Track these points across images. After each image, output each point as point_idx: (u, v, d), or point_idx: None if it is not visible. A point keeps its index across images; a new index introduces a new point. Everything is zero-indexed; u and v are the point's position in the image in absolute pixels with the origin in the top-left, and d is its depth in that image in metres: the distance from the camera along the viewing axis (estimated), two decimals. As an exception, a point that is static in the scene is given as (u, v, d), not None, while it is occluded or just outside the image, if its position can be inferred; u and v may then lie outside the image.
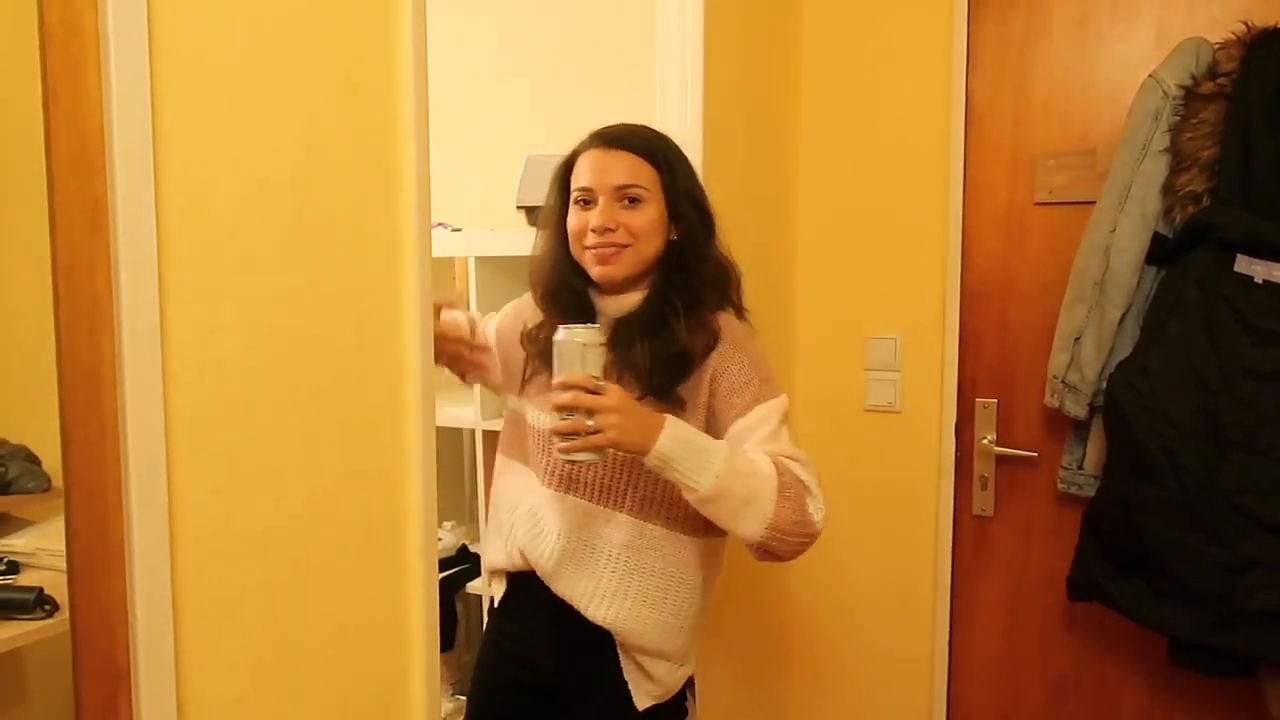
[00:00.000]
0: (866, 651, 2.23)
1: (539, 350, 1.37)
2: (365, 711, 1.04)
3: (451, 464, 2.45)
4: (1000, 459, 2.07)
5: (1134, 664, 1.96)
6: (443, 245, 2.20)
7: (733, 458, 1.19)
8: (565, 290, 1.35)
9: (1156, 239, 1.74)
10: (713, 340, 1.30)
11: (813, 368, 2.24)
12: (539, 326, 1.39)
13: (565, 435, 1.13)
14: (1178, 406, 1.62)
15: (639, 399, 1.23)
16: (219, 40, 0.81)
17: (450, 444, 2.30)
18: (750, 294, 1.43)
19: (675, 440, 1.16)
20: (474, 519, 2.29)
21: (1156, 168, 1.73)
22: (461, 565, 2.36)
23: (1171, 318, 1.67)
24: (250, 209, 0.85)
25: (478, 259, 2.13)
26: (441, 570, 2.35)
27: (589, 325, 1.17)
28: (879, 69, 2.11)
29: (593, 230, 1.29)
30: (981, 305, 2.06)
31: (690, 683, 1.41)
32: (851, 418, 2.21)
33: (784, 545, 1.19)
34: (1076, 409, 1.83)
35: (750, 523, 1.18)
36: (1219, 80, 1.69)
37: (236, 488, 0.86)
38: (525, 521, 1.37)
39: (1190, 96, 1.71)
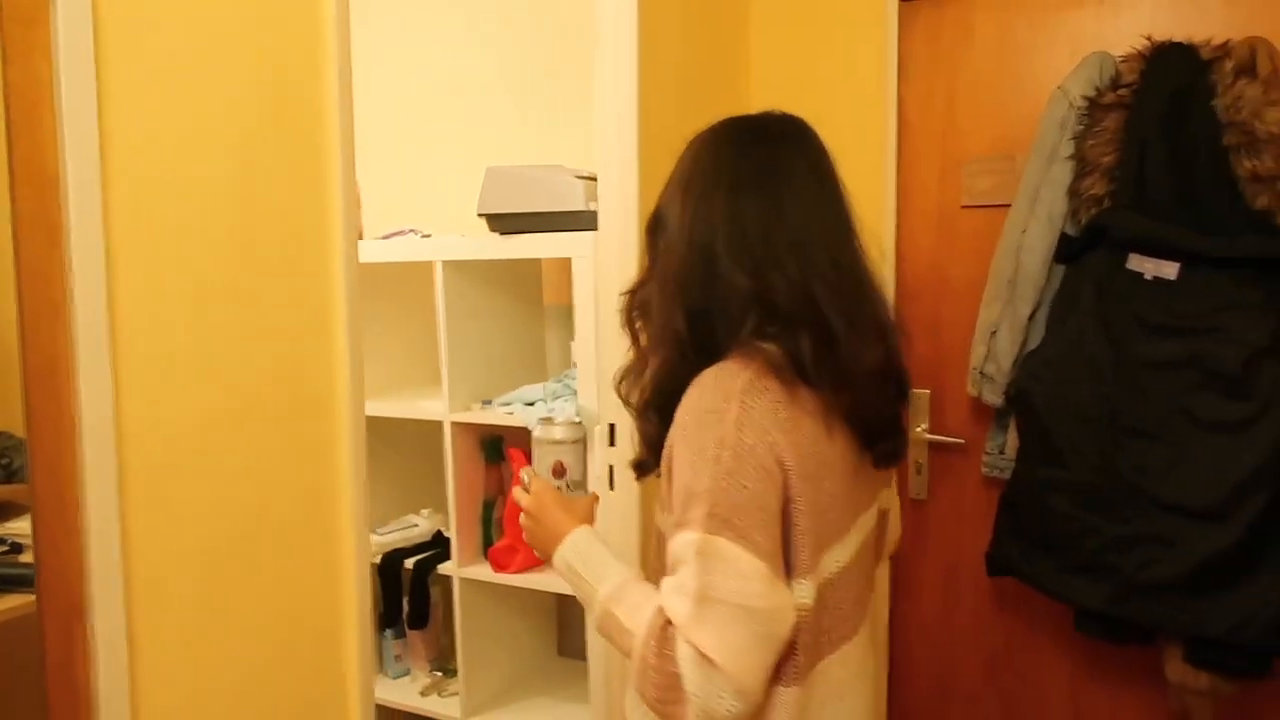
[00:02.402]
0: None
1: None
2: (302, 653, 1.19)
3: (428, 455, 2.60)
4: (933, 446, 2.20)
5: (1059, 637, 2.09)
6: (412, 250, 2.36)
7: (615, 604, 1.07)
8: None
9: (1063, 239, 1.87)
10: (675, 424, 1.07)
11: (762, 362, 2.37)
12: None
13: None
14: (1077, 395, 1.75)
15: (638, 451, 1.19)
16: (160, 84, 0.97)
17: (426, 435, 2.46)
18: None
19: (565, 564, 1.12)
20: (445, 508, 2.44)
21: (1063, 173, 1.86)
22: (435, 549, 2.51)
23: (1072, 312, 1.80)
24: (189, 228, 1.01)
25: (445, 263, 2.28)
26: (418, 553, 2.51)
27: (546, 419, 1.23)
28: (819, 81, 2.25)
29: None
30: (914, 302, 2.19)
31: None
32: (799, 409, 2.34)
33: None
34: (993, 398, 1.96)
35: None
36: (1120, 91, 1.82)
37: (183, 461, 1.01)
38: None
39: (1094, 106, 1.84)
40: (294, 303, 1.13)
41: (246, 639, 1.11)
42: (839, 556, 1.11)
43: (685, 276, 1.09)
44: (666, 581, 1.01)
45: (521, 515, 1.15)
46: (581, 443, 1.20)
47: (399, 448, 2.66)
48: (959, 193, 2.13)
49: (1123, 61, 1.84)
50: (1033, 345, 1.90)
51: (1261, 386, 1.60)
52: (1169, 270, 1.72)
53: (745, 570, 0.97)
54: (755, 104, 2.32)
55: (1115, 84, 1.84)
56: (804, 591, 1.04)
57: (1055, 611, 2.04)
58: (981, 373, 1.98)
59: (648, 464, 1.17)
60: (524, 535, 1.16)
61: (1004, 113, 2.08)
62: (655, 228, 1.17)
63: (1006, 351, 1.93)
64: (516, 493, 1.19)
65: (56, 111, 0.85)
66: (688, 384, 1.05)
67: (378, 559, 2.52)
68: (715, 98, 2.18)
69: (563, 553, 1.11)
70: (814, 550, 1.06)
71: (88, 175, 0.88)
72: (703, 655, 0.95)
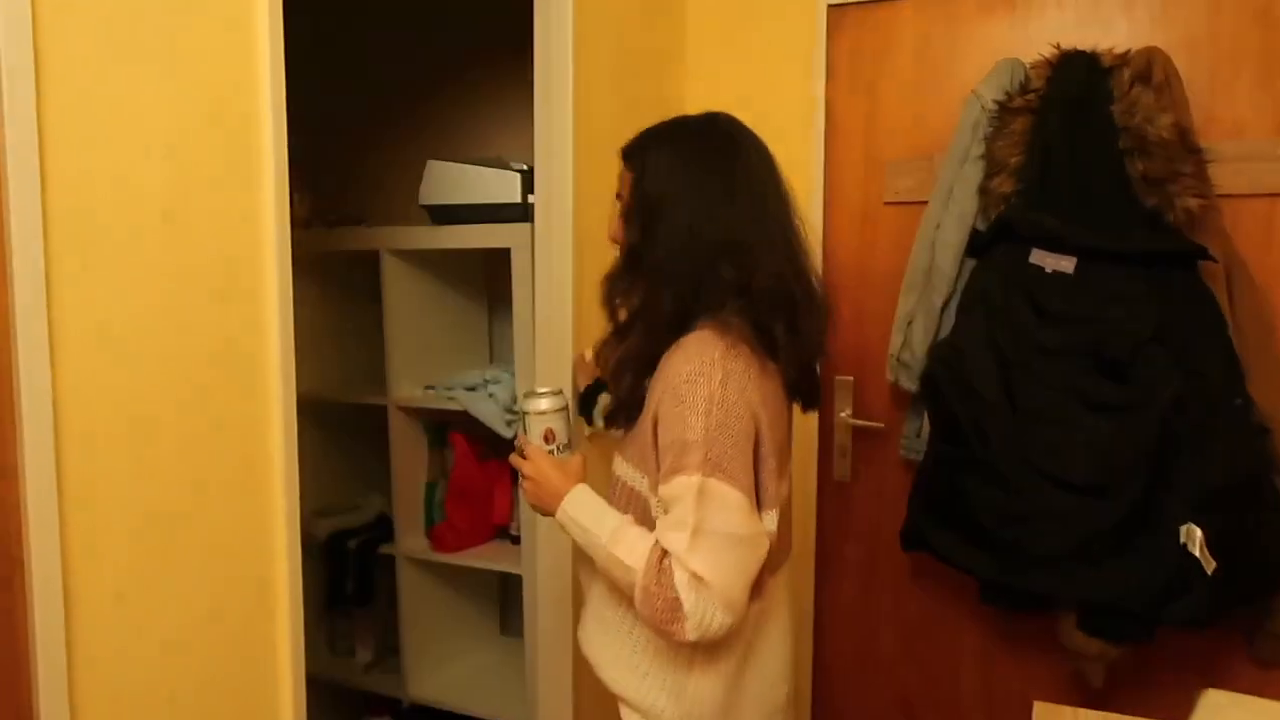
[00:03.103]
0: (747, 606, 2.47)
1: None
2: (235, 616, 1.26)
3: (373, 440, 2.66)
4: (856, 430, 2.32)
5: (970, 608, 2.21)
6: (356, 240, 2.42)
7: (614, 546, 1.21)
8: None
9: (974, 234, 1.98)
10: (661, 372, 1.23)
11: (697, 350, 2.46)
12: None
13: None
14: (981, 379, 1.87)
15: (610, 403, 1.32)
16: (96, 81, 1.03)
17: (372, 420, 2.52)
18: None
19: (568, 516, 1.28)
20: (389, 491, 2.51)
21: (974, 172, 1.98)
22: (378, 531, 2.58)
23: (978, 303, 1.92)
24: (122, 218, 1.08)
25: (388, 252, 2.35)
26: (362, 535, 2.58)
27: (539, 390, 1.33)
28: (753, 82, 2.34)
29: None
30: (840, 294, 2.30)
31: None
32: (731, 395, 2.44)
33: (650, 627, 1.21)
34: (909, 383, 2.08)
35: (631, 598, 1.22)
36: (1028, 96, 1.94)
37: (118, 430, 1.08)
38: None
39: (1003, 110, 1.95)
40: (226, 286, 1.20)
41: (178, 602, 1.18)
42: (785, 489, 1.33)
43: (677, 266, 1.25)
44: (663, 521, 1.19)
45: (524, 480, 1.31)
46: (565, 410, 1.32)
47: (352, 433, 2.72)
48: (882, 190, 2.24)
49: (1032, 68, 1.96)
50: (945, 334, 2.01)
51: (1145, 373, 1.73)
52: (1066, 264, 1.84)
53: (733, 505, 1.16)
54: (690, 104, 2.41)
55: (1024, 89, 1.95)
56: (770, 520, 1.25)
57: (967, 584, 2.16)
58: (899, 360, 2.10)
59: (618, 417, 1.31)
60: (527, 498, 1.32)
61: (924, 115, 2.18)
62: (646, 219, 1.28)
63: (921, 340, 2.05)
64: (514, 460, 1.34)
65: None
66: (660, 351, 1.24)
67: (324, 540, 2.58)
68: (651, 98, 2.26)
69: (564, 508, 1.26)
70: (776, 485, 1.26)
71: (27, 174, 0.95)
72: (698, 578, 1.14)
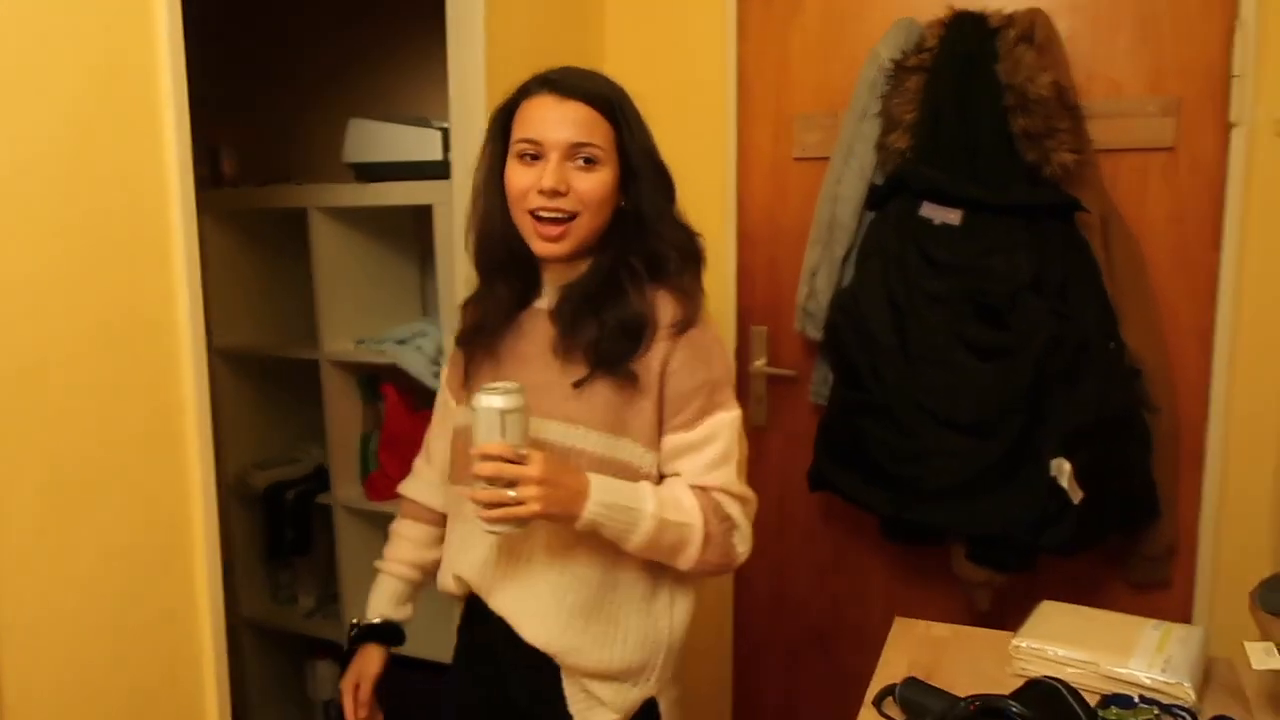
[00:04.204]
0: (672, 548, 2.59)
1: (474, 336, 1.31)
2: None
3: (310, 393, 2.73)
4: (770, 378, 2.42)
5: (876, 545, 2.34)
6: (283, 197, 2.48)
7: (662, 510, 1.18)
8: (510, 257, 1.27)
9: (871, 189, 2.08)
10: (678, 321, 1.23)
11: (621, 303, 2.55)
12: (475, 302, 1.33)
13: (488, 505, 1.11)
14: (876, 326, 1.98)
15: (588, 375, 1.20)
16: (-7, 45, 1.09)
17: (308, 375, 2.59)
18: None
19: (603, 505, 1.15)
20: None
21: (872, 128, 2.07)
22: (316, 482, 2.66)
23: (874, 254, 2.02)
24: (25, 173, 1.14)
25: (315, 210, 2.41)
26: (300, 486, 2.66)
27: (508, 387, 1.12)
28: (668, 42, 2.40)
29: (541, 191, 1.17)
30: (754, 246, 2.39)
31: (654, 706, 1.33)
32: (654, 346, 2.54)
33: (703, 575, 1.28)
34: (814, 332, 2.18)
35: (676, 562, 1.23)
36: (922, 55, 2.02)
37: (23, 381, 1.15)
38: (457, 536, 1.32)
39: (899, 68, 2.03)
40: (131, 240, 1.27)
41: (97, 537, 1.26)
42: None
43: (670, 227, 1.30)
44: (699, 459, 1.23)
45: (527, 487, 1.10)
46: (522, 410, 1.12)
47: (289, 388, 2.79)
48: (791, 146, 2.32)
49: (927, 27, 2.04)
50: (847, 284, 2.12)
51: (1023, 319, 1.84)
52: (953, 217, 1.94)
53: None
54: (609, 62, 2.47)
55: (920, 48, 2.04)
56: None
57: (872, 522, 2.29)
58: (805, 310, 2.20)
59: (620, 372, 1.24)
60: (543, 505, 1.11)
61: (831, 73, 2.27)
62: (627, 178, 1.26)
63: (825, 290, 2.15)
64: (502, 468, 1.11)
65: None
66: (632, 305, 1.22)
67: (262, 492, 2.66)
68: (569, 57, 2.32)
69: (594, 499, 1.15)
70: None
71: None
72: (744, 499, 1.27)
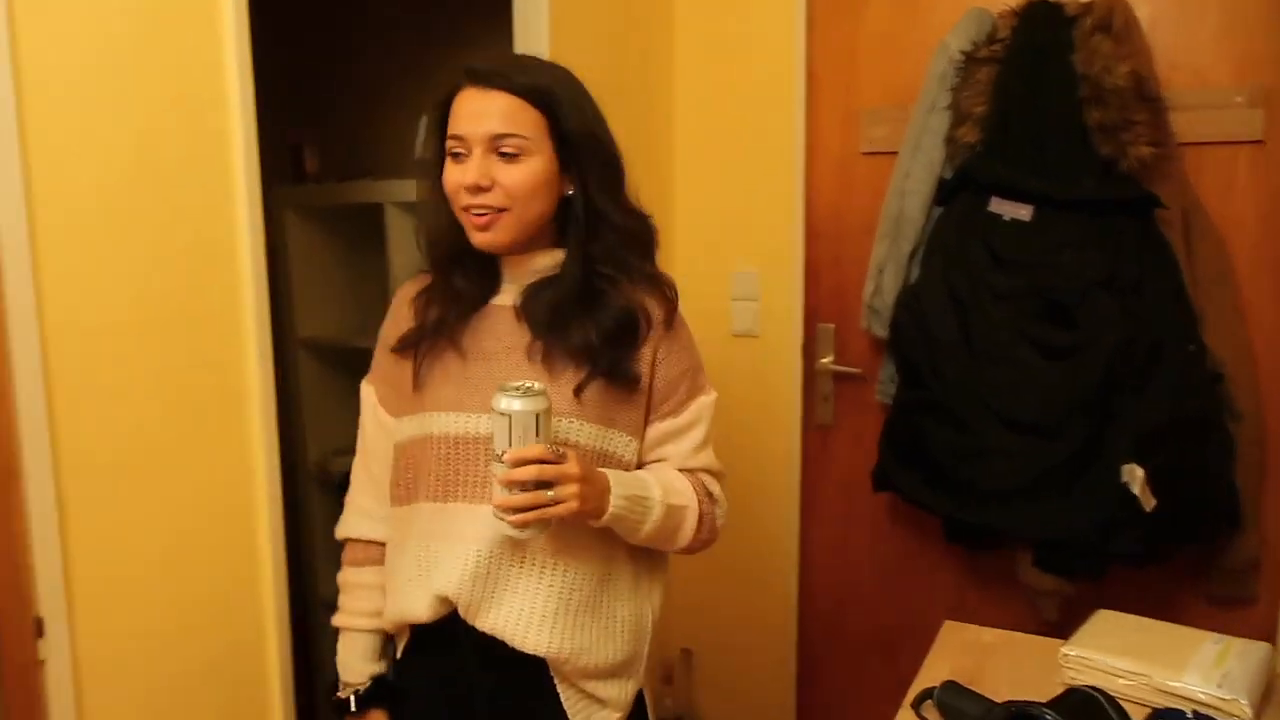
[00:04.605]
0: (738, 543, 2.58)
1: (434, 333, 1.22)
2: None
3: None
4: (837, 376, 2.40)
5: (944, 548, 2.29)
6: (361, 193, 2.56)
7: (668, 496, 1.20)
8: (464, 252, 1.20)
9: (940, 183, 2.04)
10: (668, 316, 1.23)
11: (688, 299, 2.52)
12: (428, 299, 1.24)
13: (518, 509, 1.06)
14: (938, 323, 1.94)
15: (585, 378, 1.17)
16: (69, 36, 1.17)
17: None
18: None
19: (624, 498, 1.14)
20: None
21: (940, 122, 2.02)
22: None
23: (940, 250, 1.98)
24: (101, 168, 1.21)
25: (391, 205, 2.48)
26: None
27: (533, 387, 1.06)
28: (738, 33, 2.40)
29: (464, 189, 1.13)
30: (821, 242, 2.37)
31: (641, 698, 1.31)
32: (721, 342, 2.53)
33: (689, 552, 1.28)
34: (880, 329, 2.15)
35: (672, 544, 1.25)
36: (994, 46, 1.97)
37: (101, 356, 1.23)
38: (427, 557, 1.19)
39: (970, 60, 1.99)
40: (201, 234, 1.35)
41: (166, 512, 1.34)
42: None
43: (630, 218, 1.24)
44: (685, 443, 1.26)
45: (566, 486, 1.07)
46: (551, 409, 1.08)
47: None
48: (858, 140, 2.29)
49: (999, 18, 1.99)
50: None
51: (1092, 317, 1.78)
52: (1024, 212, 1.89)
53: None
54: (678, 56, 2.48)
55: (991, 39, 1.99)
56: None
57: (939, 525, 2.25)
58: (871, 306, 2.17)
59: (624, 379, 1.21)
60: (581, 503, 1.08)
61: (898, 65, 2.22)
62: (568, 165, 1.21)
63: (891, 287, 2.11)
64: (545, 470, 1.06)
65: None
66: (616, 306, 1.19)
67: (338, 478, 2.75)
68: (637, 49, 2.34)
69: (617, 493, 1.13)
70: None
71: (6, 122, 1.09)
72: (720, 475, 1.32)
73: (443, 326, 1.21)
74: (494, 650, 1.17)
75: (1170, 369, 1.78)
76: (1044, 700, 1.06)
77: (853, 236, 2.32)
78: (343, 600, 1.32)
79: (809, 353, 2.42)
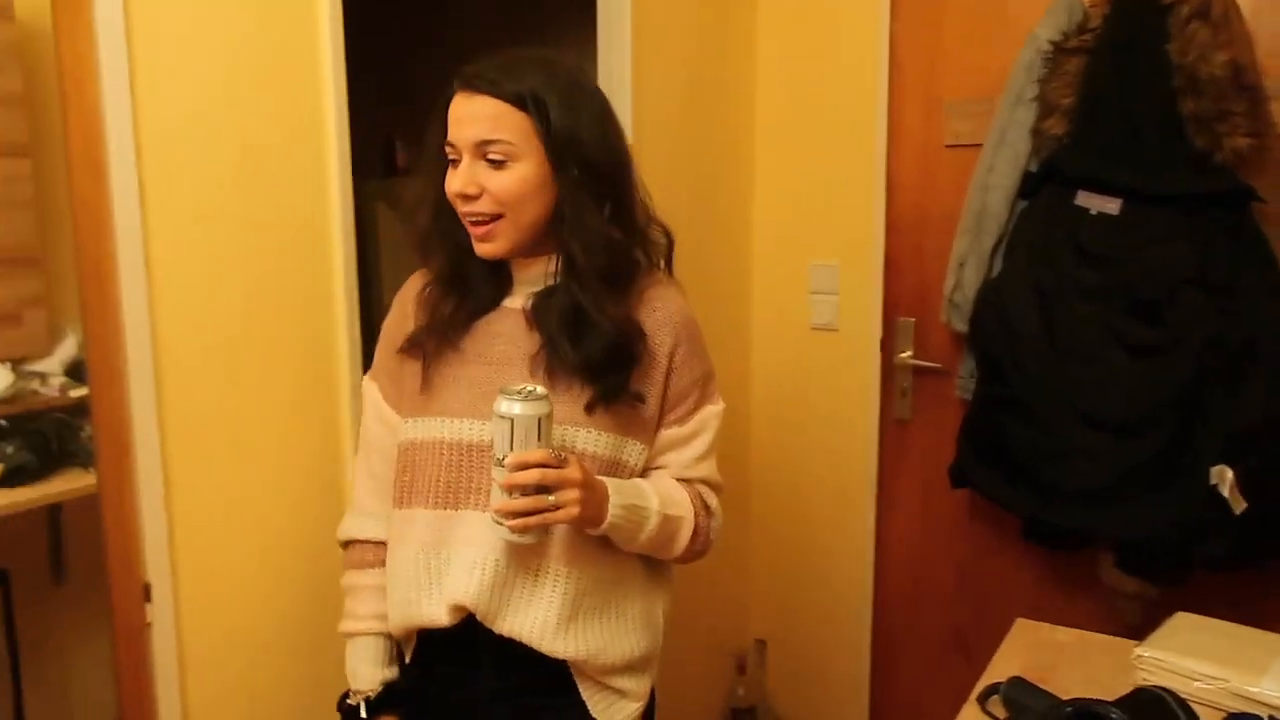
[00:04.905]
0: (814, 536, 2.58)
1: (444, 333, 1.19)
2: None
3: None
4: (916, 370, 2.38)
5: (1022, 547, 2.25)
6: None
7: (665, 507, 1.18)
8: (472, 262, 1.18)
9: (1026, 176, 2.00)
10: (667, 320, 1.19)
11: (766, 291, 2.57)
12: (439, 298, 1.20)
13: (518, 514, 1.04)
14: (1020, 318, 1.91)
15: (593, 400, 1.14)
16: (177, 54, 1.25)
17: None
18: (711, 227, 1.61)
19: (621, 507, 1.12)
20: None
21: (1027, 114, 1.99)
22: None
23: (1023, 244, 1.95)
24: (204, 168, 1.29)
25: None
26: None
27: (535, 391, 1.05)
28: (820, 22, 2.39)
29: (456, 196, 1.12)
30: (902, 235, 2.35)
31: (652, 694, 1.30)
32: (798, 336, 2.54)
33: (678, 563, 1.27)
34: (960, 324, 2.12)
35: (664, 554, 1.23)
36: (1084, 36, 1.93)
37: (205, 339, 1.31)
38: (436, 565, 1.17)
39: (1059, 50, 1.95)
40: (295, 221, 1.43)
41: (263, 487, 1.42)
42: None
43: (587, 223, 1.17)
44: (688, 453, 1.23)
45: (568, 492, 1.05)
46: (552, 414, 1.06)
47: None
48: (942, 133, 2.26)
49: (1090, 6, 1.95)
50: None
51: (1181, 315, 1.73)
52: (1112, 206, 1.84)
53: None
54: (761, 45, 2.48)
55: (1082, 29, 1.94)
56: None
57: (1018, 523, 2.21)
58: (951, 301, 2.14)
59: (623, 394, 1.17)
60: (581, 509, 1.07)
61: (984, 56, 2.19)
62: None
63: (972, 281, 2.09)
64: (548, 475, 1.05)
65: (98, 81, 1.14)
66: (607, 327, 1.14)
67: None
68: (716, 40, 2.35)
69: (615, 502, 1.11)
70: None
71: (123, 128, 1.17)
72: (719, 488, 1.29)
73: (453, 327, 1.19)
74: (513, 650, 1.16)
75: (1265, 367, 1.72)
76: (1110, 699, 1.05)
77: (935, 230, 2.29)
78: (348, 605, 1.29)
79: (888, 347, 2.40)
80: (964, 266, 2.11)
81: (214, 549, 1.36)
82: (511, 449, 1.03)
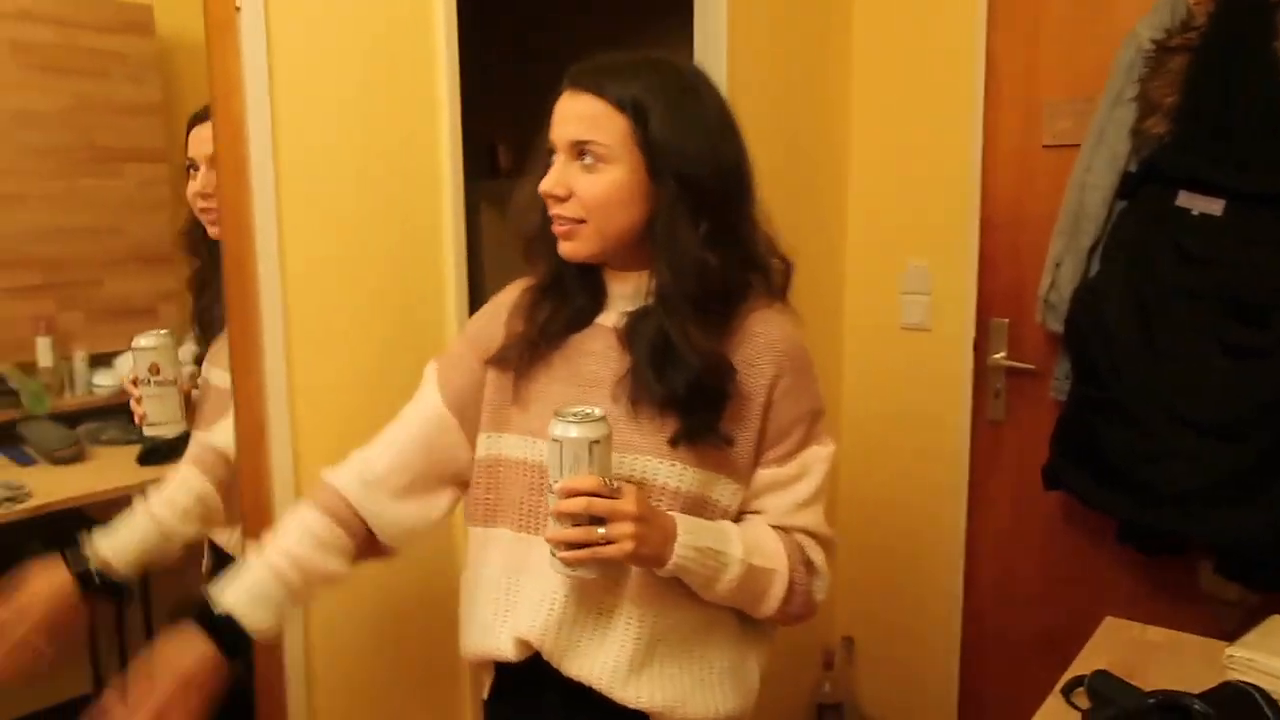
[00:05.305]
0: (903, 535, 2.59)
1: (538, 345, 1.13)
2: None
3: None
4: (1009, 371, 2.37)
5: (1116, 551, 2.22)
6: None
7: (749, 555, 1.06)
8: (571, 271, 1.12)
9: (1125, 176, 1.98)
10: (768, 347, 1.09)
11: (859, 291, 2.59)
12: (541, 307, 1.14)
13: (570, 545, 0.97)
14: (1117, 320, 1.90)
15: (676, 436, 1.05)
16: (311, 69, 1.36)
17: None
18: (805, 227, 1.62)
19: (691, 548, 1.02)
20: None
21: (1127, 114, 1.97)
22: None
23: (1122, 245, 1.93)
24: (329, 172, 1.40)
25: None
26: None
27: (590, 413, 0.98)
28: (916, 21, 2.40)
29: (544, 195, 1.07)
30: (997, 235, 2.34)
31: None
32: (890, 335, 2.55)
33: (774, 625, 1.16)
34: (1056, 325, 2.11)
35: (754, 611, 1.11)
36: (1188, 34, 1.90)
37: (333, 325, 1.42)
38: (510, 593, 1.12)
39: (1161, 49, 1.93)
40: (410, 220, 1.53)
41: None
42: None
43: (682, 244, 1.09)
44: (787, 496, 1.10)
45: (620, 525, 0.97)
46: (609, 439, 0.99)
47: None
48: (1040, 133, 2.25)
49: (1194, 4, 1.92)
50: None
51: (1284, 317, 1.70)
52: (1214, 207, 1.82)
53: None
54: (856, 44, 2.50)
55: (1186, 26, 1.92)
56: None
57: (1113, 526, 2.19)
58: (1046, 301, 2.14)
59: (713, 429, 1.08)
60: (635, 545, 0.98)
61: (1085, 56, 2.17)
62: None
63: (1069, 281, 2.08)
64: (597, 504, 0.97)
65: (243, 95, 1.26)
66: (696, 360, 1.05)
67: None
68: (810, 41, 2.38)
69: (684, 542, 1.02)
70: None
71: (263, 136, 1.29)
72: (827, 543, 1.14)
73: (545, 339, 1.13)
74: (585, 694, 1.08)
75: (1376, 373, 1.68)
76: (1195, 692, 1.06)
77: (1032, 231, 2.28)
78: (275, 531, 1.14)
79: (981, 348, 2.40)
80: (1060, 267, 2.10)
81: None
82: (562, 474, 0.97)
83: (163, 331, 1.35)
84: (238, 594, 1.06)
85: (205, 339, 1.45)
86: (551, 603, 1.07)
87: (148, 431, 1.35)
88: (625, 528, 0.96)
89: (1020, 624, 2.42)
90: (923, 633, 2.58)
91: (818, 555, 1.12)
